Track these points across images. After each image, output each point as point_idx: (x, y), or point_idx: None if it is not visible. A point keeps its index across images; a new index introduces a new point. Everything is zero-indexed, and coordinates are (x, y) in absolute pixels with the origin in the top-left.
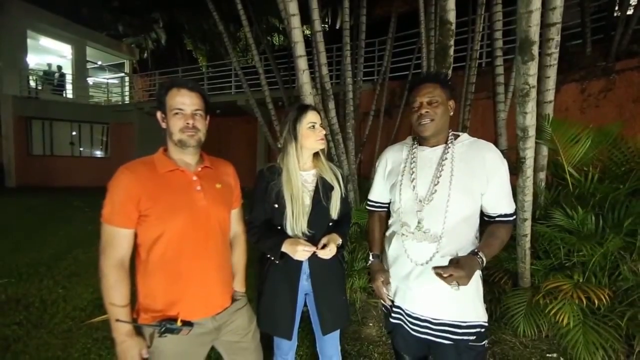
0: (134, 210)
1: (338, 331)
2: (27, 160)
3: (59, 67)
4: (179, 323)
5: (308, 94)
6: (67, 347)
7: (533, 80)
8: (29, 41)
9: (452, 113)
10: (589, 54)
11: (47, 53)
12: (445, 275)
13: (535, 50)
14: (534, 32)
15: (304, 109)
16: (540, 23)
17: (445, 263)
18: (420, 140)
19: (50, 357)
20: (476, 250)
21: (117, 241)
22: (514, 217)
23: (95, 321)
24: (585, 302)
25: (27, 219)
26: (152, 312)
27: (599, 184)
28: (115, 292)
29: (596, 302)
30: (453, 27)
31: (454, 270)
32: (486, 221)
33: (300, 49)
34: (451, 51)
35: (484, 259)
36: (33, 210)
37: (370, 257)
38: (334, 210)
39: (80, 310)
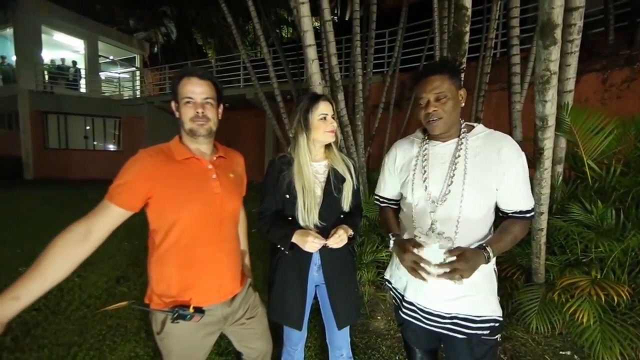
0: (142, 193)
1: None
2: (43, 153)
3: (74, 62)
4: (191, 309)
5: (317, 85)
6: (83, 332)
7: (555, 67)
8: (43, 36)
9: (463, 103)
10: (612, 42)
11: (61, 48)
12: (448, 271)
13: (558, 33)
14: (557, 14)
15: (316, 98)
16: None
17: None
18: (431, 134)
19: (67, 341)
20: (484, 245)
21: (109, 214)
22: (532, 213)
23: (109, 309)
24: (603, 299)
25: (44, 209)
26: (165, 297)
27: (622, 177)
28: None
29: (615, 299)
30: (469, 12)
31: (457, 263)
32: (501, 216)
33: (309, 38)
34: (466, 38)
35: (491, 254)
36: (50, 201)
37: (391, 240)
38: (346, 202)
39: (95, 298)
